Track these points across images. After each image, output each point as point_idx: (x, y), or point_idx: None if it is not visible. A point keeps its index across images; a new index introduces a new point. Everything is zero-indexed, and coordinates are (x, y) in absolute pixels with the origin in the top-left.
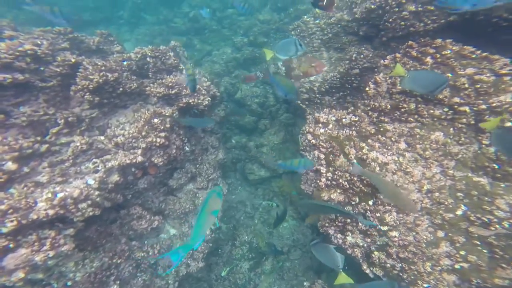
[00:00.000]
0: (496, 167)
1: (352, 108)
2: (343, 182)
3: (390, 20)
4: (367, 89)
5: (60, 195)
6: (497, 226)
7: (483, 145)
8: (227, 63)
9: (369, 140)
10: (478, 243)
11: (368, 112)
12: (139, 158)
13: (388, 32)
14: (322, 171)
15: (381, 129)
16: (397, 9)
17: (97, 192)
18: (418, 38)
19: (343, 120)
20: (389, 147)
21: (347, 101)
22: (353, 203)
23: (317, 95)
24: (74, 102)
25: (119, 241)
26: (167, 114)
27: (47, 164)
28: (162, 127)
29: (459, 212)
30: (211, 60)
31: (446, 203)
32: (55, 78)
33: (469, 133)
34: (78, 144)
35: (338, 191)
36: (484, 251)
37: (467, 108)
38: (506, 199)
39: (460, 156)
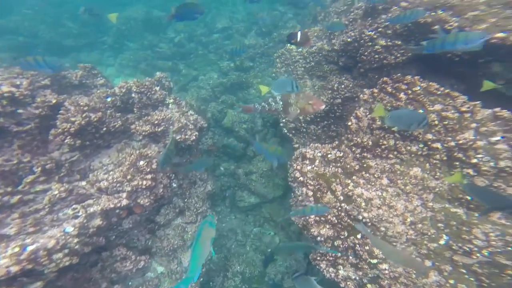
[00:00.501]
0: (469, 198)
1: (337, 142)
2: (331, 218)
3: (366, 53)
4: (349, 123)
5: (30, 248)
6: (478, 254)
7: None
8: (213, 88)
9: (354, 177)
10: (464, 271)
11: (352, 147)
12: (124, 202)
13: (365, 64)
14: None
15: (365, 165)
16: (370, 43)
17: (76, 240)
18: (391, 69)
19: (329, 155)
20: (373, 183)
21: (332, 129)
22: (342, 237)
23: (303, 124)
24: (53, 145)
25: (99, 286)
26: (153, 155)
27: (17, 215)
28: (148, 169)
29: (442, 242)
30: (197, 86)
31: (429, 234)
32: (33, 121)
33: (443, 169)
34: (56, 192)
35: (327, 226)
36: (471, 279)
37: (439, 145)
38: (481, 228)
39: (437, 189)
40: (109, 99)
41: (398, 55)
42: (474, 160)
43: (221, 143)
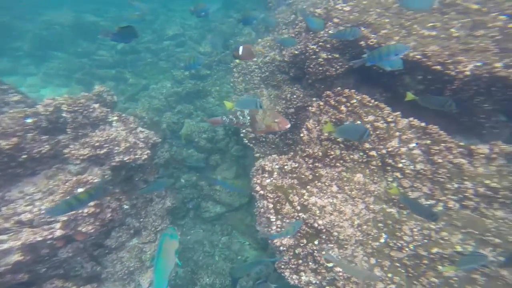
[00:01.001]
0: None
1: (292, 153)
2: None
3: (311, 65)
4: (301, 135)
5: None
6: (407, 249)
7: (389, 182)
8: (167, 98)
9: (308, 187)
10: (398, 265)
11: (305, 158)
12: (58, 233)
13: (312, 75)
14: (272, 219)
15: (317, 175)
16: (314, 56)
17: None
18: (334, 79)
19: (285, 167)
20: (325, 191)
21: (288, 138)
22: (301, 245)
23: (242, 123)
24: None
25: None
26: (95, 180)
27: None
28: None
29: (382, 240)
30: (148, 95)
31: (372, 234)
32: None
33: (379, 173)
34: None
35: (288, 236)
36: (403, 271)
37: (374, 153)
38: (409, 225)
39: (376, 192)
40: (29, 120)
41: (338, 67)
42: (400, 165)
43: (180, 155)
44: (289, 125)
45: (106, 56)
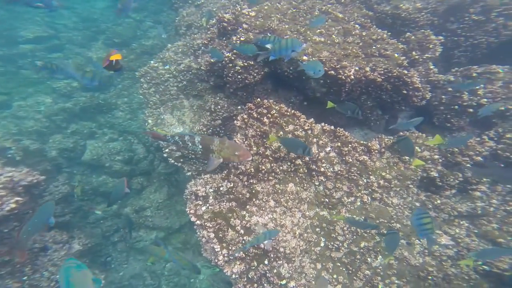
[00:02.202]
0: (327, 200)
1: (226, 171)
2: (238, 254)
3: (230, 74)
4: None
5: None
6: (343, 248)
7: (316, 185)
8: (50, 117)
9: (247, 206)
10: (339, 264)
11: (239, 176)
12: None
13: (232, 84)
14: (217, 249)
15: (253, 191)
16: (231, 65)
17: None
18: (254, 86)
19: (221, 188)
20: (263, 208)
21: None
22: (253, 268)
23: (190, 151)
24: None
25: None
26: None
27: None
28: None
29: (322, 244)
30: (14, 116)
31: (313, 240)
32: None
33: (307, 179)
34: None
35: (238, 262)
36: (343, 269)
37: (299, 161)
38: (339, 224)
39: (308, 199)
40: None
41: (255, 74)
42: (322, 169)
43: (90, 184)
44: (251, 157)
45: None
